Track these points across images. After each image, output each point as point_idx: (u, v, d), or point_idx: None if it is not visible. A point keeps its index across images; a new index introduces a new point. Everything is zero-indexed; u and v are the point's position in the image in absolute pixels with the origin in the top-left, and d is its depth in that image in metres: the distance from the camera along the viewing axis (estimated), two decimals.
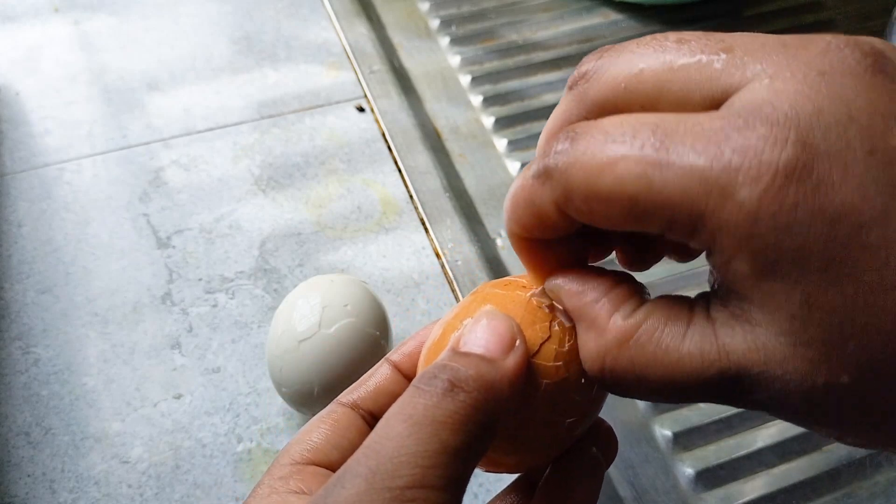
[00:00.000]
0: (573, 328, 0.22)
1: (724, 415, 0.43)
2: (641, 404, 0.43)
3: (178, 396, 0.43)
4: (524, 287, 0.24)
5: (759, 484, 0.41)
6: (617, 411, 0.43)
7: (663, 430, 0.42)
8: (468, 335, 0.21)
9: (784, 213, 0.17)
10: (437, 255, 0.48)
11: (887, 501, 0.41)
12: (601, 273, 0.22)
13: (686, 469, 0.41)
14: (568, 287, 0.22)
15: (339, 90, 0.56)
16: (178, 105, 0.55)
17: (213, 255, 0.48)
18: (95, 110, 0.54)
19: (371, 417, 0.25)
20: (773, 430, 0.43)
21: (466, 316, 0.23)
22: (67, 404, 0.42)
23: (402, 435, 0.19)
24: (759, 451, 0.42)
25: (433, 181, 0.51)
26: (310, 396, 0.38)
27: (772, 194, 0.17)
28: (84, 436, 0.41)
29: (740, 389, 0.19)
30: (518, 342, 0.21)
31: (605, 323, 0.21)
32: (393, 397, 0.24)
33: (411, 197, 0.51)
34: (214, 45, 0.59)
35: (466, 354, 0.21)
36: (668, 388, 0.20)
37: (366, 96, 0.56)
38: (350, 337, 0.38)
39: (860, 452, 0.42)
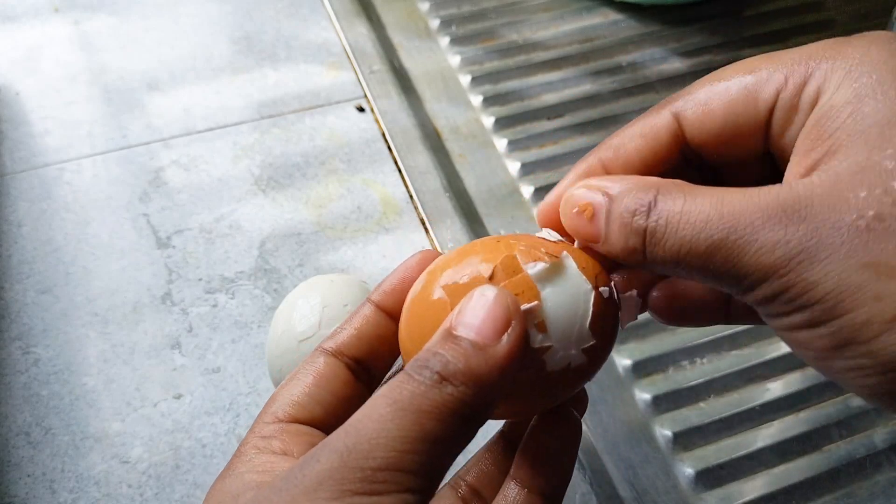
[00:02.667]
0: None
1: (724, 415, 0.43)
2: (642, 404, 0.43)
3: (178, 396, 0.43)
4: (516, 241, 0.23)
5: (759, 484, 0.41)
6: (617, 411, 0.43)
7: (663, 430, 0.42)
8: (462, 315, 0.21)
9: (888, 62, 0.20)
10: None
11: (887, 501, 0.41)
12: None
13: (686, 469, 0.41)
14: (608, 178, 0.22)
15: (339, 90, 0.56)
16: (178, 105, 0.55)
17: (213, 255, 0.48)
18: (95, 110, 0.54)
19: (354, 364, 0.24)
20: (773, 430, 0.43)
21: (448, 266, 0.23)
22: (67, 404, 0.42)
23: (384, 417, 0.19)
24: (759, 451, 0.42)
25: (433, 181, 0.51)
26: None
27: (883, 39, 0.20)
28: (84, 436, 0.41)
29: (798, 240, 0.18)
30: (514, 323, 0.21)
31: (655, 181, 0.21)
32: (376, 340, 0.24)
33: (411, 197, 0.51)
34: (214, 45, 0.59)
35: (458, 341, 0.20)
36: (714, 219, 0.19)
37: (366, 96, 0.56)
38: None
39: (860, 452, 0.42)
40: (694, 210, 0.20)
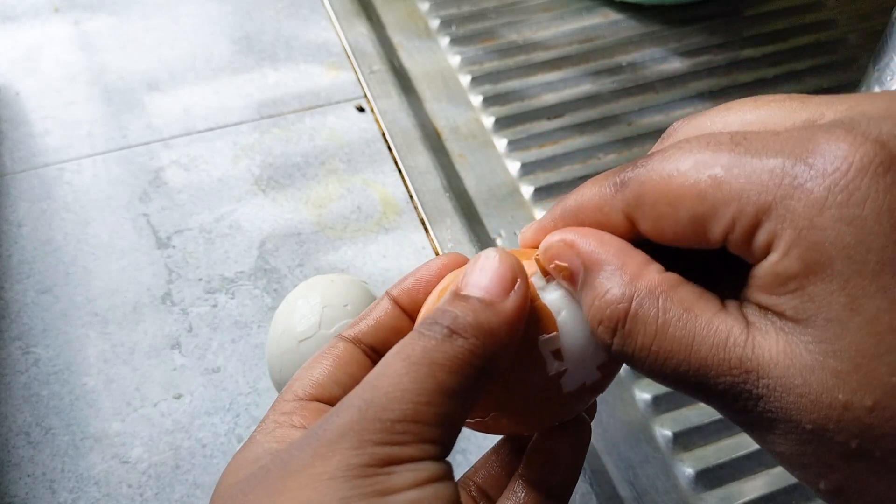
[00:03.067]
0: None
1: None
2: (642, 404, 0.43)
3: (178, 396, 0.43)
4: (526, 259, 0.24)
5: (759, 484, 0.41)
6: (617, 411, 0.43)
7: (663, 430, 0.42)
8: (469, 276, 0.21)
9: (852, 205, 0.17)
10: (438, 255, 0.48)
11: None
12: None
13: (686, 469, 0.41)
14: (585, 236, 0.21)
15: (339, 90, 0.56)
16: (178, 105, 0.55)
17: (213, 255, 0.48)
18: (95, 110, 0.54)
19: (372, 352, 0.25)
20: None
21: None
22: (67, 404, 0.42)
23: (398, 372, 0.19)
24: (759, 451, 0.42)
25: (433, 181, 0.51)
26: None
27: (843, 184, 0.17)
28: (84, 436, 0.41)
29: (752, 393, 0.18)
30: (519, 282, 0.21)
31: (638, 269, 0.20)
32: (393, 331, 0.25)
33: (411, 197, 0.51)
34: (214, 45, 0.59)
35: (466, 298, 0.21)
36: (679, 358, 0.19)
37: (366, 96, 0.56)
38: None
39: None
40: (662, 346, 0.19)
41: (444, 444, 0.19)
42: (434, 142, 0.54)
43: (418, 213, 0.50)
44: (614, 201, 0.21)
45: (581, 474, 0.40)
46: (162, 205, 0.50)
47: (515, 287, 0.21)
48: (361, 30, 0.60)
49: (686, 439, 0.42)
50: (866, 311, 0.17)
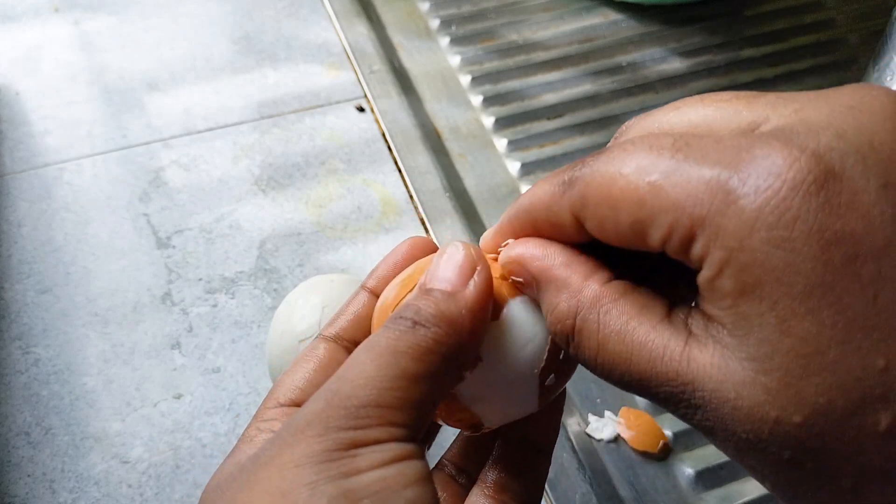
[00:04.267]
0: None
1: None
2: (642, 403, 0.43)
3: (178, 396, 0.43)
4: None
5: (758, 484, 0.41)
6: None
7: (663, 430, 0.42)
8: (432, 272, 0.22)
9: (781, 227, 0.16)
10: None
11: None
12: (562, 243, 0.22)
13: (686, 469, 0.41)
14: (533, 252, 0.22)
15: (339, 90, 0.56)
16: (178, 105, 0.55)
17: (213, 255, 0.48)
18: (95, 110, 0.54)
19: (354, 347, 0.25)
20: None
21: (409, 282, 0.24)
22: (67, 404, 0.42)
23: (363, 362, 0.20)
24: None
25: (433, 181, 0.51)
26: None
27: (774, 204, 0.17)
28: (84, 436, 0.41)
29: (690, 403, 0.18)
30: (479, 268, 0.22)
31: (580, 283, 0.21)
32: (372, 323, 0.25)
33: (411, 197, 0.51)
34: (214, 45, 0.59)
35: (430, 292, 0.22)
36: (621, 369, 0.20)
37: (366, 96, 0.56)
38: None
39: None
40: (606, 360, 0.20)
41: (410, 426, 0.20)
42: (434, 142, 0.54)
43: (418, 213, 0.50)
44: (562, 201, 0.21)
45: (581, 474, 0.40)
46: (162, 205, 0.50)
47: (475, 275, 0.22)
48: (361, 30, 0.60)
49: (686, 439, 0.42)
50: (795, 333, 0.17)
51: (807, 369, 0.17)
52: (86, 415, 0.42)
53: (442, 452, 0.28)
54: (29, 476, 0.40)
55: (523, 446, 0.26)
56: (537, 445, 0.26)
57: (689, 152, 0.18)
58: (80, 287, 0.46)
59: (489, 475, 0.25)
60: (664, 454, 0.42)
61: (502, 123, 0.56)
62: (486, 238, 0.25)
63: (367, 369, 0.20)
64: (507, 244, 0.23)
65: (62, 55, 0.57)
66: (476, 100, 0.57)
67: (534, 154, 0.54)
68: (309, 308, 0.38)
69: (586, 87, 0.58)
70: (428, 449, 0.28)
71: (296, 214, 0.50)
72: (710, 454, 0.42)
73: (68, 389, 0.42)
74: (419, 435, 0.20)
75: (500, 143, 0.55)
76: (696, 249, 0.18)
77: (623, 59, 0.60)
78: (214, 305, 0.46)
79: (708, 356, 0.18)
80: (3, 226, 0.49)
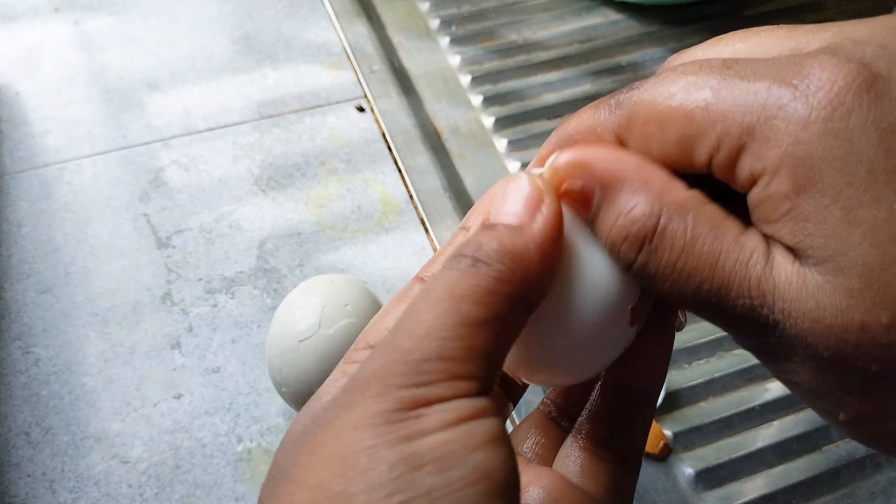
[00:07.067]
0: None
1: (724, 415, 0.43)
2: None
3: (178, 396, 0.43)
4: None
5: (759, 484, 0.41)
6: None
7: (663, 430, 0.42)
8: (494, 207, 0.21)
9: (836, 119, 0.16)
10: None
11: (887, 501, 0.41)
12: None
13: (686, 469, 0.41)
14: (598, 153, 0.20)
15: (339, 90, 0.56)
16: (178, 105, 0.55)
17: (213, 255, 0.48)
18: (95, 110, 0.54)
19: None
20: (773, 430, 0.43)
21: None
22: (67, 404, 0.42)
23: (421, 311, 0.19)
24: (759, 451, 0.42)
25: (433, 181, 0.51)
26: (310, 396, 0.38)
27: (826, 101, 0.17)
28: (84, 436, 0.41)
29: (769, 319, 0.18)
30: (547, 201, 0.20)
31: (662, 185, 0.19)
32: None
33: (411, 197, 0.51)
34: (214, 45, 0.59)
35: (492, 227, 0.20)
36: (703, 276, 0.18)
37: (366, 96, 0.56)
38: (350, 337, 0.38)
39: (860, 452, 0.42)
40: (688, 263, 0.19)
41: (479, 378, 0.18)
42: (434, 142, 0.54)
43: (418, 213, 0.50)
44: (607, 123, 0.20)
45: None
46: (162, 205, 0.50)
47: (543, 207, 0.20)
48: (361, 30, 0.60)
49: (686, 439, 0.42)
50: (864, 222, 0.16)
51: (884, 259, 0.16)
52: (86, 415, 0.42)
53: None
54: (29, 476, 0.40)
55: (623, 397, 0.24)
56: (638, 396, 0.24)
57: (738, 69, 0.18)
58: (80, 287, 0.46)
59: (585, 426, 0.24)
60: (664, 454, 0.42)
61: (502, 123, 0.56)
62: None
63: (425, 318, 0.18)
64: (554, 156, 0.21)
65: (62, 55, 0.57)
66: (476, 100, 0.57)
67: (534, 154, 0.54)
68: (309, 308, 0.38)
69: (586, 87, 0.58)
70: (514, 406, 0.26)
71: (296, 214, 0.50)
72: (710, 454, 0.42)
73: (68, 389, 0.42)
74: (490, 387, 0.19)
75: (500, 143, 0.55)
76: (747, 160, 0.18)
77: (623, 59, 0.60)
78: (214, 305, 0.46)
79: (787, 264, 0.17)
80: (3, 226, 0.49)
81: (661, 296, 0.20)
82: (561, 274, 0.21)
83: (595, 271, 0.21)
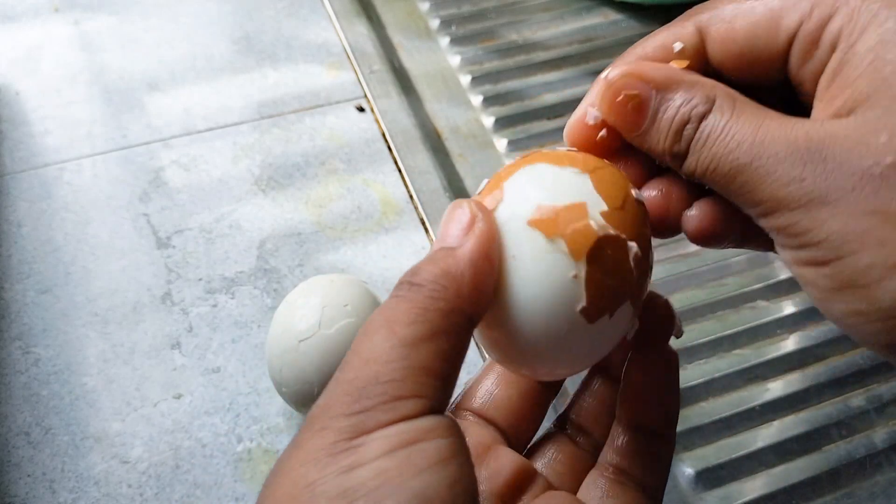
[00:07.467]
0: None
1: (724, 415, 0.43)
2: None
3: (178, 396, 0.43)
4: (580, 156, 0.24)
5: (759, 484, 0.41)
6: None
7: None
8: (439, 234, 0.22)
9: None
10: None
11: (887, 501, 0.41)
12: None
13: (686, 469, 0.41)
14: (653, 66, 0.22)
15: (339, 90, 0.56)
16: (178, 105, 0.55)
17: (213, 255, 0.48)
18: (95, 110, 0.54)
19: None
20: (773, 430, 0.43)
21: (499, 182, 0.24)
22: (67, 404, 0.42)
23: (362, 341, 0.19)
24: (759, 451, 0.42)
25: (433, 181, 0.51)
26: (310, 396, 0.38)
27: None
28: (84, 436, 0.41)
29: (815, 171, 0.19)
30: (477, 219, 0.21)
31: (713, 85, 0.21)
32: None
33: (411, 197, 0.51)
34: (214, 45, 0.59)
35: (433, 252, 0.21)
36: (755, 132, 0.20)
37: (366, 96, 0.56)
38: (350, 337, 0.38)
39: (860, 452, 0.42)
40: (734, 130, 0.20)
41: (426, 396, 0.18)
42: (434, 142, 0.54)
43: (418, 213, 0.50)
44: (687, 24, 0.22)
45: None
46: (162, 205, 0.50)
47: (474, 226, 0.21)
48: (361, 30, 0.60)
49: (686, 439, 0.42)
50: None
51: None
52: (86, 415, 0.42)
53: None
54: (29, 476, 0.40)
55: (639, 432, 0.25)
56: (653, 429, 0.25)
57: None
58: (80, 287, 0.46)
59: (607, 456, 0.25)
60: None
61: (502, 123, 0.56)
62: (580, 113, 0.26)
63: (365, 347, 0.19)
64: (607, 71, 0.23)
65: (62, 55, 0.57)
66: (476, 100, 0.57)
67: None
68: (309, 308, 0.38)
69: (586, 87, 0.58)
70: (556, 393, 0.27)
71: (296, 214, 0.50)
72: (710, 454, 0.42)
73: (68, 389, 0.42)
74: (443, 403, 0.19)
75: (500, 143, 0.55)
76: (839, 19, 0.19)
77: None
78: (214, 305, 0.46)
79: (840, 123, 0.19)
80: (3, 226, 0.49)
81: (704, 177, 0.21)
82: (507, 282, 0.22)
83: (537, 278, 0.22)
